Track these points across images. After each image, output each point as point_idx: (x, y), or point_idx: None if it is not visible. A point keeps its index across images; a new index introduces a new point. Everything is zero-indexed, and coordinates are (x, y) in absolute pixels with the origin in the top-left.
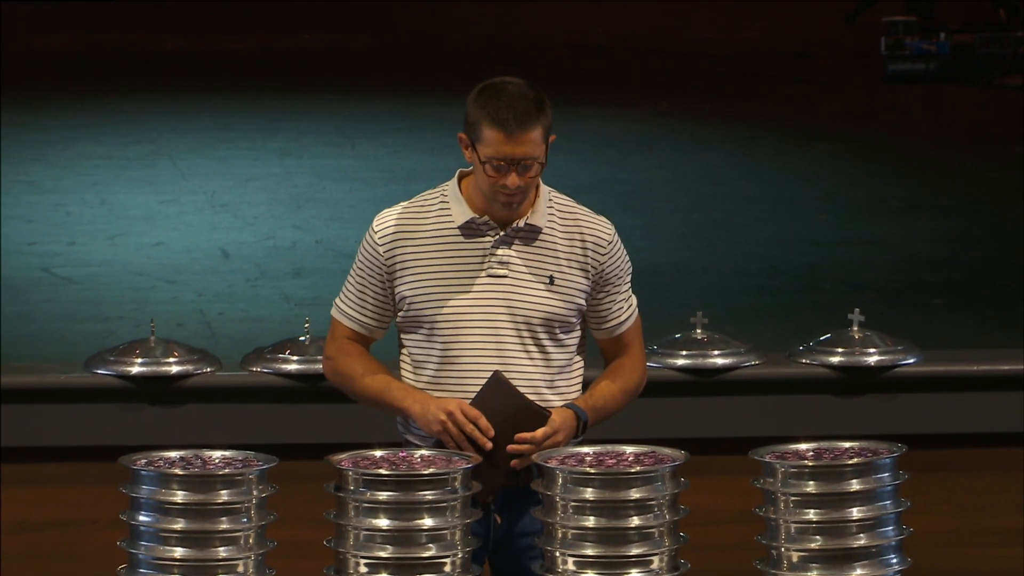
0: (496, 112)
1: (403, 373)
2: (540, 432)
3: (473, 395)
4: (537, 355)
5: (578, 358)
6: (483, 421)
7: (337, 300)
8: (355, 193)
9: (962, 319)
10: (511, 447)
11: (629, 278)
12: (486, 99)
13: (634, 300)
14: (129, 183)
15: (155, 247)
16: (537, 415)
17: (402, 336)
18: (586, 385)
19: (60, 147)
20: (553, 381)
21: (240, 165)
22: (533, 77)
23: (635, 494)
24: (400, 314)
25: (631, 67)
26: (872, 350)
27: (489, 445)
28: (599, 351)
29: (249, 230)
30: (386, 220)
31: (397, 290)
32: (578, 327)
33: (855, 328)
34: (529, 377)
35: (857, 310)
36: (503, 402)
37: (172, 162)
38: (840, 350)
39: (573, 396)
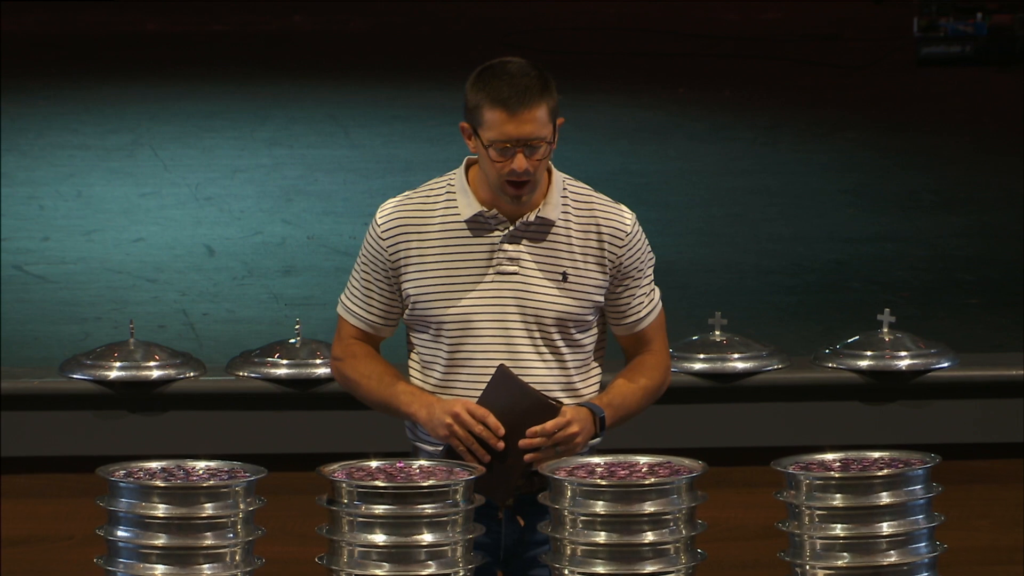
0: (497, 92)
1: (411, 373)
2: (551, 423)
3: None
4: (550, 357)
5: (595, 361)
6: (491, 419)
7: (342, 297)
8: (349, 185)
9: (999, 320)
10: (522, 442)
11: (651, 270)
12: (485, 81)
13: (657, 293)
14: (107, 175)
15: (135, 243)
16: (548, 408)
17: (410, 335)
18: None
19: (32, 136)
20: (568, 384)
21: (226, 156)
22: (540, 61)
23: (649, 508)
24: (406, 312)
25: (645, 51)
26: (903, 353)
27: (500, 444)
28: (618, 351)
29: (236, 225)
30: (389, 212)
31: (403, 287)
32: (595, 326)
33: (885, 330)
34: (542, 380)
35: (887, 310)
36: (511, 397)
37: (153, 152)
38: (869, 353)
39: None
